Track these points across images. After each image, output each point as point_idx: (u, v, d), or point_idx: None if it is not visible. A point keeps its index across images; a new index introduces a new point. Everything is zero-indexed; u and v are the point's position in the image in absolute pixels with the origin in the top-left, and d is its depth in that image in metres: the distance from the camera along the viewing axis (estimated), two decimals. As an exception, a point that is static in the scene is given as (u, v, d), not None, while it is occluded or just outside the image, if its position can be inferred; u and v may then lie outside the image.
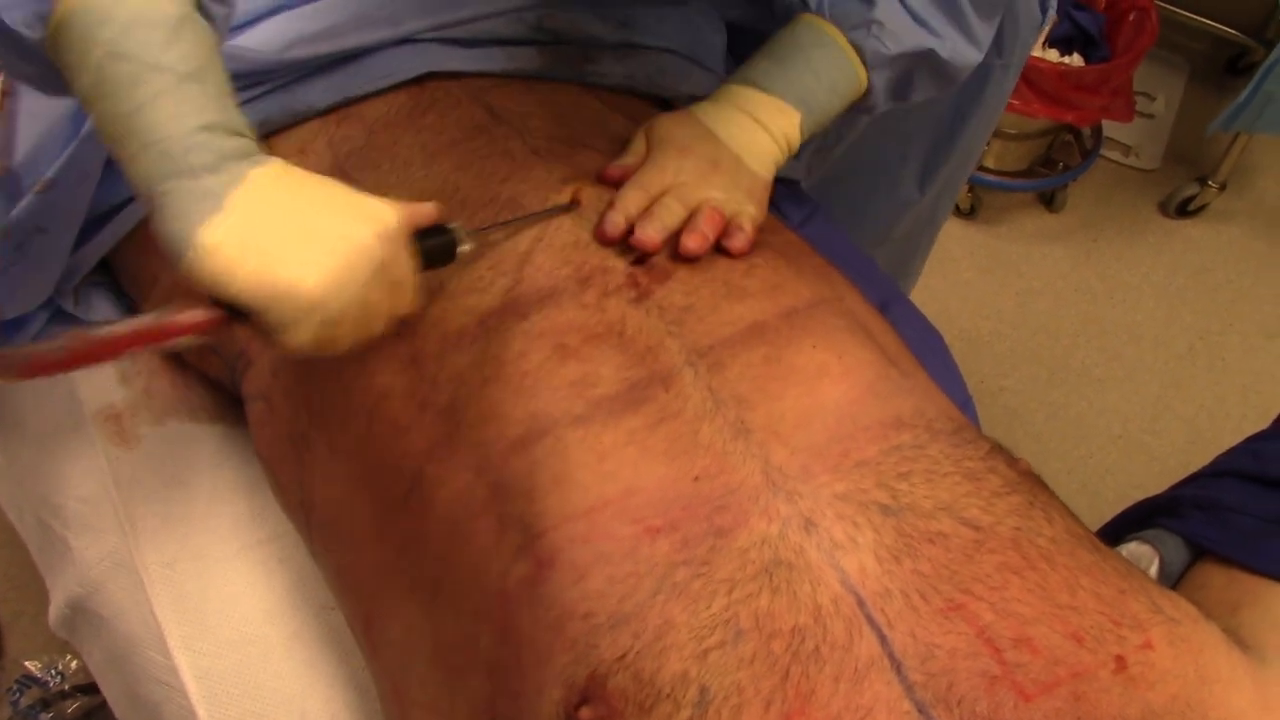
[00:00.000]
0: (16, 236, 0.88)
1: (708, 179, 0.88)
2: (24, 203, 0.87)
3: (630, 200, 0.85)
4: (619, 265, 0.82)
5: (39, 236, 0.89)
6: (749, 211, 0.89)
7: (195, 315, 0.66)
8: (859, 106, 1.01)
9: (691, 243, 0.83)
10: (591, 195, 0.86)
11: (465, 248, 0.78)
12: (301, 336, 0.67)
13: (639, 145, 0.92)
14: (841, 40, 0.95)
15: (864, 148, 1.37)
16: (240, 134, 0.67)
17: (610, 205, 0.85)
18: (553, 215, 0.85)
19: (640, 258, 0.83)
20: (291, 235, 0.66)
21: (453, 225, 0.78)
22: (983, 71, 1.29)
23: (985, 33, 1.01)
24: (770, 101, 0.94)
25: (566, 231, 0.84)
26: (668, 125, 0.92)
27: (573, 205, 0.86)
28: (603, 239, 0.83)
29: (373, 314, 0.71)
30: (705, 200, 0.87)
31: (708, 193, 0.88)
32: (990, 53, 1.27)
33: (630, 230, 0.84)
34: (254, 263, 0.64)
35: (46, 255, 0.93)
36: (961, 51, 1.00)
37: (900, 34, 0.96)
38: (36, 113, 0.92)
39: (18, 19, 0.64)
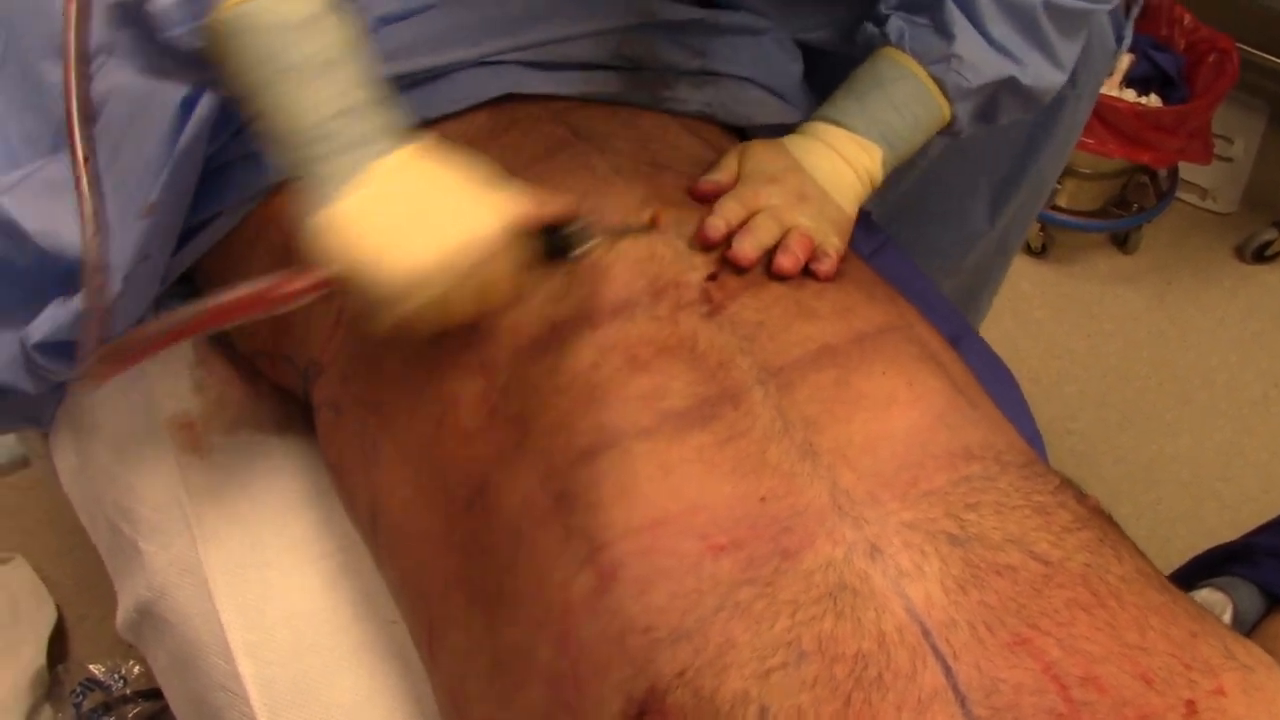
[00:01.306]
0: (126, 268, 0.90)
1: (797, 207, 0.90)
2: (133, 232, 0.89)
3: (730, 210, 0.87)
4: (693, 279, 0.82)
5: (143, 263, 0.92)
6: (833, 242, 0.90)
7: (310, 281, 0.73)
8: (943, 132, 1.02)
9: (786, 261, 0.84)
10: (670, 217, 0.87)
11: (587, 247, 0.80)
12: (398, 315, 0.73)
13: (731, 164, 0.94)
14: (922, 74, 0.96)
15: (935, 177, 1.36)
16: (378, 116, 0.74)
17: (710, 211, 0.87)
18: (631, 232, 0.86)
19: (714, 273, 0.83)
20: (409, 217, 0.73)
21: (575, 226, 0.80)
22: (1056, 100, 1.28)
23: (1068, 52, 1.00)
24: (853, 138, 0.96)
25: (642, 245, 0.85)
26: (760, 153, 0.94)
27: (650, 227, 0.87)
28: (704, 242, 0.85)
29: (470, 305, 0.76)
30: (796, 225, 0.88)
31: (797, 219, 0.89)
32: (1064, 84, 1.26)
33: (718, 242, 0.86)
34: (367, 240, 0.71)
35: (150, 278, 0.95)
36: (1045, 74, 0.99)
37: (980, 65, 0.96)
38: (133, 135, 0.94)
39: (181, 35, 0.73)
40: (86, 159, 0.86)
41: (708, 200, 0.90)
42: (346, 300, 0.74)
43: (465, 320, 0.79)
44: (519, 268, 0.77)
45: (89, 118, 0.91)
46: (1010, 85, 0.98)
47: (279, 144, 0.73)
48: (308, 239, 0.72)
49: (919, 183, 1.37)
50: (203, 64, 0.73)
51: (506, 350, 0.81)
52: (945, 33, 0.96)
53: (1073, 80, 1.24)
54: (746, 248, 0.84)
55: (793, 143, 0.96)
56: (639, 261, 0.83)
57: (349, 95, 0.72)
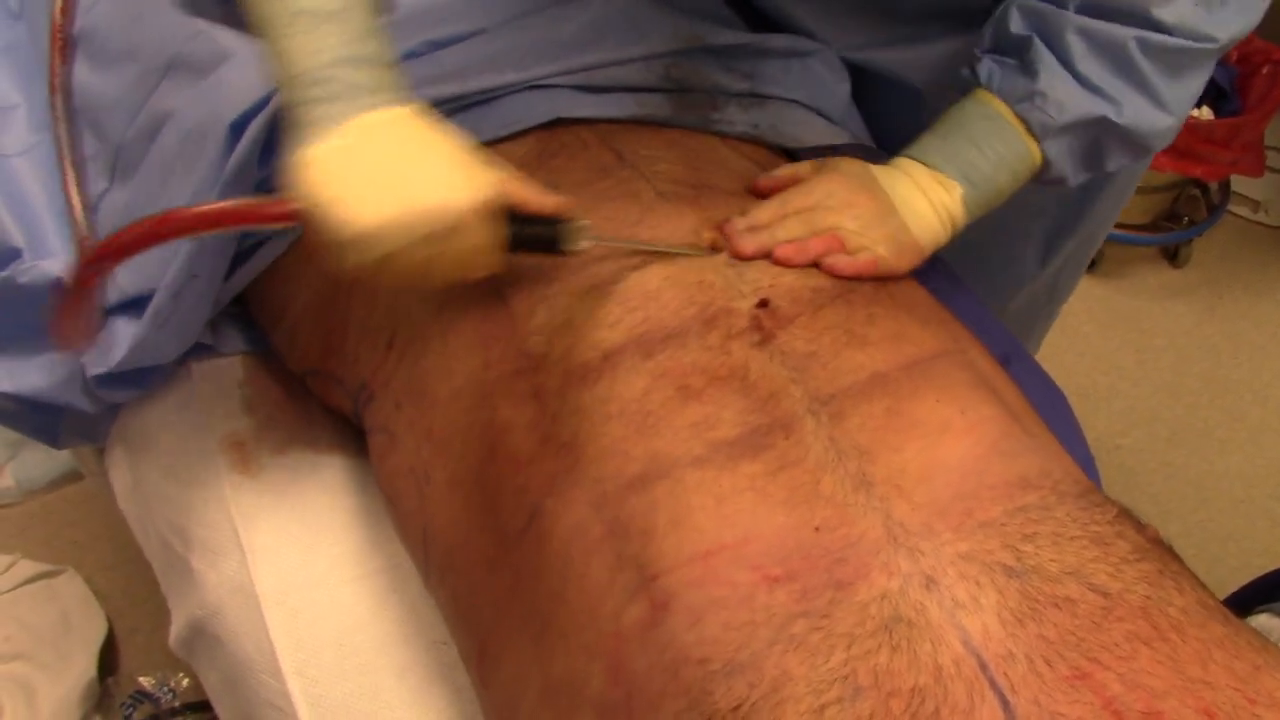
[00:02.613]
0: (173, 286, 0.92)
1: (843, 210, 0.90)
2: (180, 252, 0.91)
3: (763, 212, 0.89)
4: (743, 307, 0.82)
5: (193, 283, 0.93)
6: (877, 251, 0.89)
7: (279, 209, 0.76)
8: (1046, 179, 1.00)
9: (787, 250, 0.87)
10: (723, 243, 0.88)
11: (579, 246, 0.82)
12: (352, 262, 0.75)
13: (803, 167, 0.96)
14: (1007, 112, 0.96)
15: (987, 219, 1.35)
16: (379, 70, 0.75)
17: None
18: (689, 255, 0.87)
19: (764, 300, 0.83)
20: (377, 172, 0.74)
21: (573, 223, 0.82)
22: None
23: (1174, 94, 0.96)
24: (931, 173, 0.95)
25: (692, 272, 0.85)
26: (844, 161, 0.96)
27: (713, 250, 0.88)
28: (718, 229, 0.88)
29: (433, 269, 0.77)
30: (833, 227, 0.89)
31: (839, 220, 0.89)
32: None
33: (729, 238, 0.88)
34: (328, 189, 0.73)
35: (199, 299, 0.96)
36: (1146, 116, 0.96)
37: (1066, 103, 0.94)
38: (184, 158, 0.96)
39: None
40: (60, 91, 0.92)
41: (762, 196, 0.94)
42: (312, 236, 0.76)
43: (436, 287, 0.81)
44: (495, 246, 0.79)
45: (67, 47, 0.94)
46: (1104, 125, 0.96)
47: (281, 85, 0.75)
48: (290, 170, 0.74)
49: (971, 224, 1.36)
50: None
51: (557, 378, 0.81)
52: (1030, 71, 0.95)
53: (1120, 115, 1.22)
54: (746, 245, 0.87)
55: (877, 169, 0.96)
56: (688, 288, 0.83)
57: (353, 45, 0.74)
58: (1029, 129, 0.96)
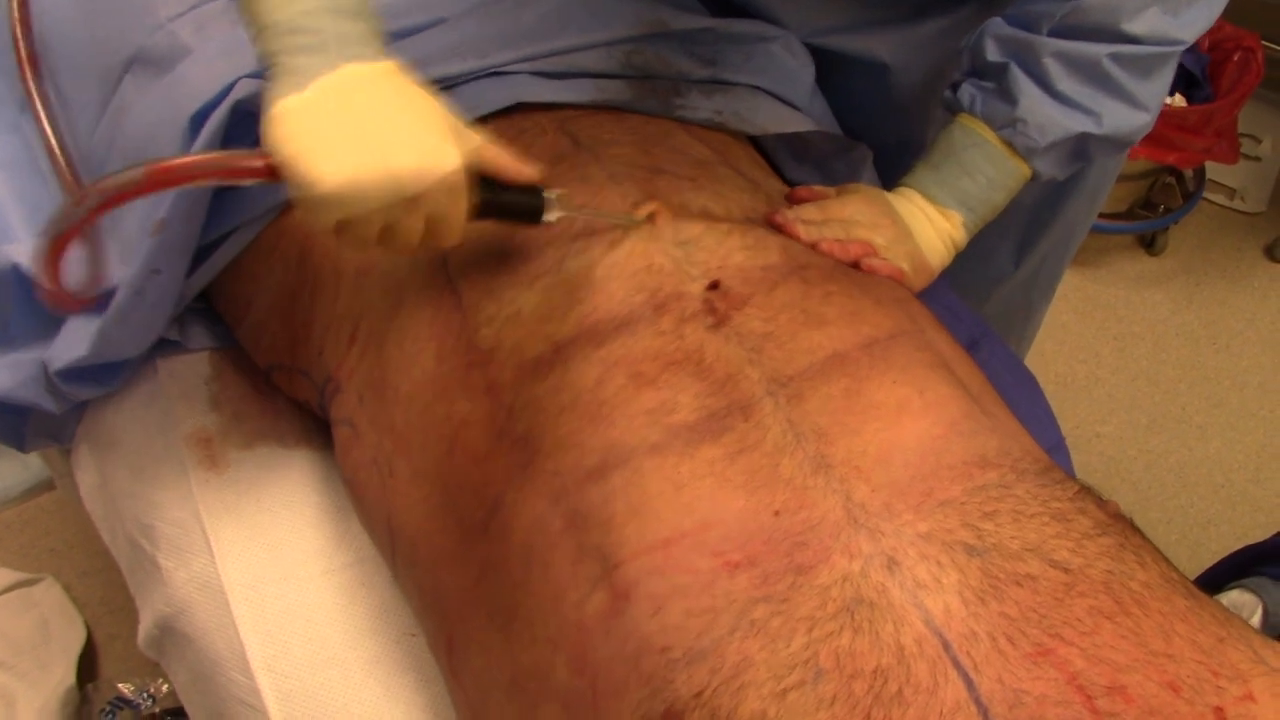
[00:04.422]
0: (136, 282, 0.91)
1: (875, 229, 0.96)
2: (142, 247, 0.90)
3: (808, 211, 0.95)
4: (694, 290, 0.82)
5: (155, 278, 0.92)
6: (901, 265, 0.95)
7: (255, 163, 0.73)
8: (1038, 181, 1.05)
9: (832, 245, 0.92)
10: (667, 219, 0.86)
11: (549, 217, 0.81)
12: (320, 224, 0.73)
13: (829, 190, 1.02)
14: (993, 138, 1.01)
15: None
16: (360, 20, 0.73)
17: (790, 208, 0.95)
18: (629, 225, 0.86)
19: (714, 282, 0.82)
20: (344, 131, 0.71)
21: (548, 193, 0.81)
22: None
23: (1148, 92, 0.99)
24: (931, 205, 1.03)
25: (639, 256, 0.84)
26: (866, 189, 1.02)
27: (648, 220, 0.86)
28: (771, 223, 0.92)
29: (401, 234, 0.75)
30: (866, 239, 0.94)
31: (871, 235, 0.95)
32: None
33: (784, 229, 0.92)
34: (296, 145, 0.70)
35: (162, 295, 0.96)
36: (1125, 119, 0.99)
37: (1047, 126, 0.98)
38: (145, 153, 0.95)
39: None
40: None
41: (799, 200, 0.99)
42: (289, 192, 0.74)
43: (407, 252, 0.78)
44: (464, 216, 0.77)
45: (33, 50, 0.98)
46: (1087, 137, 1.00)
47: (259, 33, 0.72)
48: (264, 121, 0.72)
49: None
50: None
51: (510, 371, 0.81)
52: (1009, 98, 0.99)
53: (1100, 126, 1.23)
54: (801, 231, 0.91)
55: (889, 194, 1.03)
56: (636, 274, 0.83)
57: None
58: (1015, 151, 1.00)
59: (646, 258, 0.84)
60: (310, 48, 0.71)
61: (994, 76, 1.00)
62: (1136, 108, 0.99)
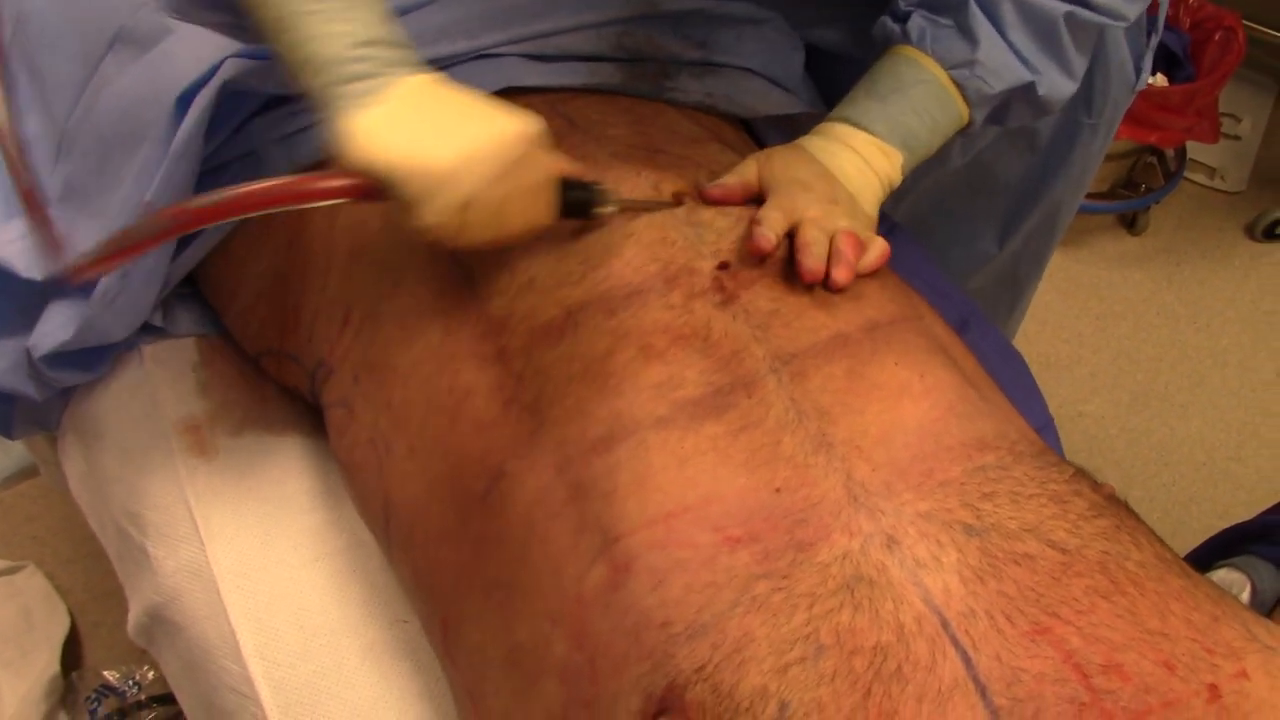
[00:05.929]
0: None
1: (833, 212, 0.88)
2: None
3: (774, 220, 0.85)
4: (705, 267, 0.82)
5: (139, 261, 0.91)
6: (842, 224, 0.88)
7: (341, 181, 0.75)
8: (965, 133, 1.02)
9: (841, 276, 0.82)
10: (692, 199, 0.88)
11: (607, 209, 0.83)
12: (435, 214, 0.74)
13: (749, 169, 0.91)
14: (944, 77, 0.96)
15: (949, 191, 1.35)
16: (398, 47, 0.77)
17: (755, 222, 0.85)
18: (662, 208, 0.87)
19: (725, 263, 0.82)
20: (435, 122, 0.75)
21: (599, 186, 0.83)
22: (1071, 130, 1.28)
23: (1080, 64, 1.00)
24: (874, 142, 0.94)
25: (655, 228, 0.84)
26: (786, 158, 0.92)
27: (678, 203, 0.88)
28: (757, 251, 0.83)
29: (507, 212, 0.77)
30: (839, 228, 0.86)
31: (838, 223, 0.87)
32: (1079, 111, 1.26)
33: (770, 254, 0.85)
34: (396, 140, 0.73)
35: (147, 279, 0.95)
36: (1059, 85, 0.99)
37: (1002, 72, 0.95)
38: (128, 134, 0.94)
39: None
40: None
41: (715, 204, 0.89)
42: (387, 204, 0.76)
43: (513, 235, 0.80)
44: (548, 187, 0.80)
45: None
46: (1026, 92, 0.98)
47: (309, 71, 0.75)
48: (338, 146, 0.74)
49: (931, 196, 1.36)
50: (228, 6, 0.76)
51: (521, 337, 0.81)
52: (970, 37, 0.95)
53: (1089, 109, 1.23)
54: (812, 264, 0.82)
55: (813, 145, 0.94)
56: (651, 245, 0.83)
57: (379, 28, 0.76)
58: (963, 94, 0.96)
59: (662, 230, 0.85)
60: (365, 74, 0.74)
61: (951, 13, 0.96)
62: (1069, 76, 0.99)
